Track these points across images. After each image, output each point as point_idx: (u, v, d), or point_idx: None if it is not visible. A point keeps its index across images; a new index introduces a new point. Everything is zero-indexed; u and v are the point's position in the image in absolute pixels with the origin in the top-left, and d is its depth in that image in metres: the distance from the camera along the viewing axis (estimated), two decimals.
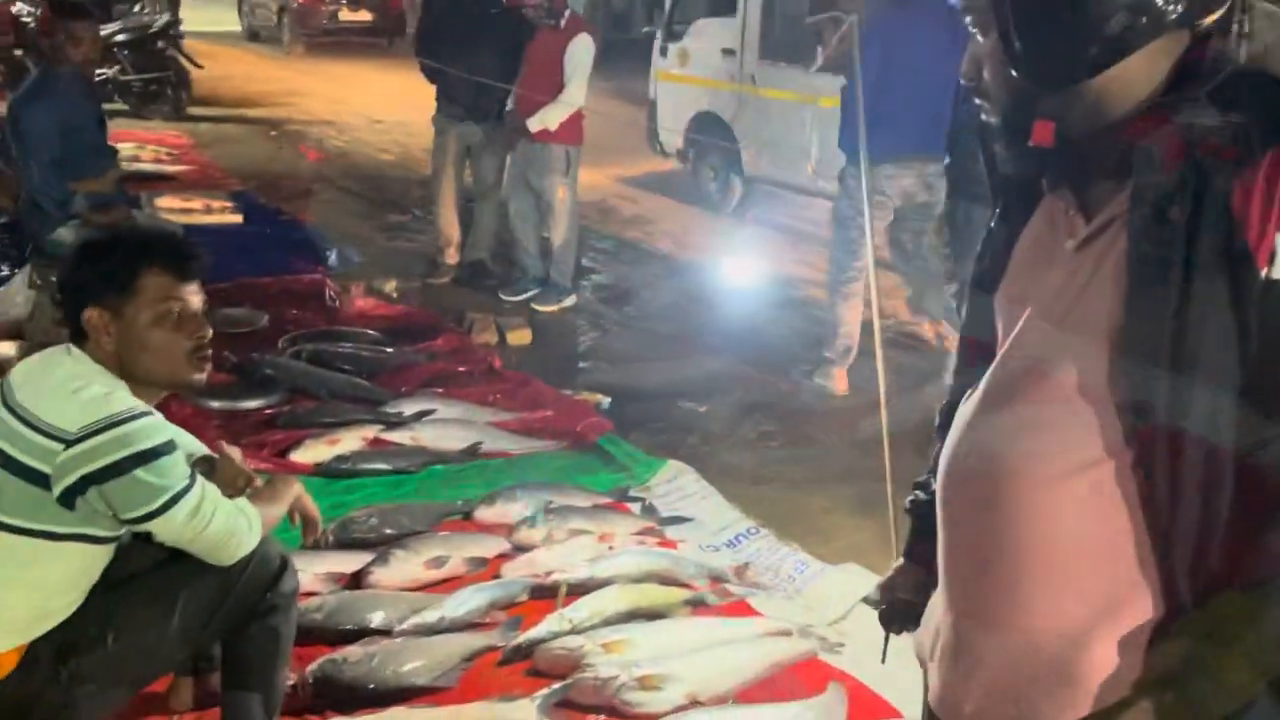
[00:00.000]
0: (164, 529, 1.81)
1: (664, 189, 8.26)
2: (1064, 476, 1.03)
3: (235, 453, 2.17)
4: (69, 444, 1.72)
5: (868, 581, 3.08)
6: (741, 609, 2.98)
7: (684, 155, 7.91)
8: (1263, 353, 0.93)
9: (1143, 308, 0.96)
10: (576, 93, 5.31)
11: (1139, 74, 1.00)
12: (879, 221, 4.50)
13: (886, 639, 1.63)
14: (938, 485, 1.20)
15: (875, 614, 3.10)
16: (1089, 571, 1.04)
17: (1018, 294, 1.14)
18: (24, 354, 4.22)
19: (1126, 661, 1.03)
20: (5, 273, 4.93)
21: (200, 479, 1.87)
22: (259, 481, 2.12)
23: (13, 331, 4.29)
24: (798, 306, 5.72)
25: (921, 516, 1.45)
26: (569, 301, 5.59)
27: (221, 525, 1.87)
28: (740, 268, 5.65)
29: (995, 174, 1.19)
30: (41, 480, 1.72)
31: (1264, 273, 0.92)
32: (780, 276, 5.84)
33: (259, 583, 1.98)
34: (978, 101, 1.11)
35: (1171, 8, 0.96)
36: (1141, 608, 1.02)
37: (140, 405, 1.82)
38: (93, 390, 1.79)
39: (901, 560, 1.52)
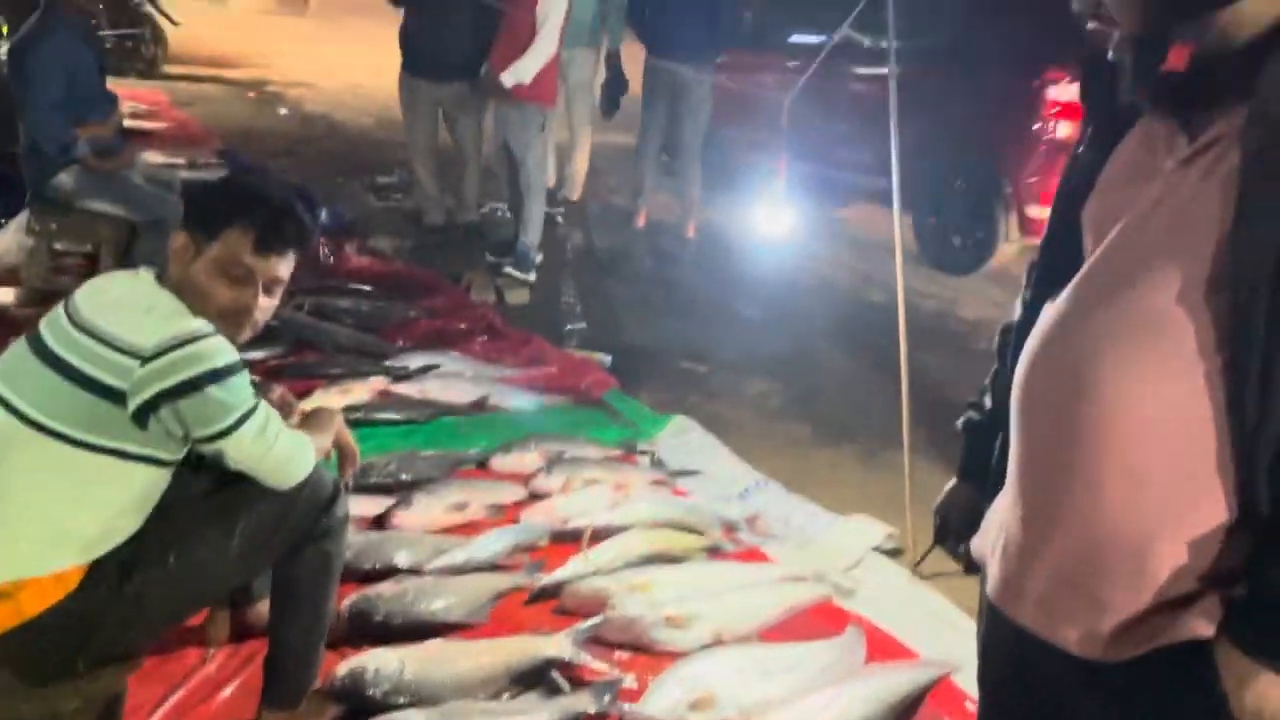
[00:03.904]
0: (233, 447, 1.83)
1: None
2: (1153, 381, 1.08)
3: (277, 388, 2.21)
4: (145, 360, 1.73)
5: (878, 530, 3.17)
6: (756, 555, 3.05)
7: None
8: None
9: (1257, 210, 1.02)
10: (548, 42, 5.01)
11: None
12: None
13: (928, 551, 1.68)
14: (1014, 391, 1.23)
15: (886, 562, 3.18)
16: (1167, 475, 1.08)
17: (1108, 211, 1.19)
18: (24, 301, 4.19)
19: (1197, 560, 1.09)
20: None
21: (263, 401, 1.89)
22: (299, 410, 2.15)
23: (7, 278, 4.24)
24: (792, 261, 5.77)
25: (975, 435, 1.50)
26: (531, 276, 5.35)
27: (284, 447, 1.91)
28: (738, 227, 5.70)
29: (1092, 99, 1.25)
30: (116, 396, 1.73)
31: None
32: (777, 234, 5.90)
33: (313, 507, 2.01)
34: (1093, 28, 1.16)
35: None
36: (1215, 510, 1.07)
37: (210, 326, 1.83)
38: (164, 310, 1.81)
39: (955, 481, 1.58)
